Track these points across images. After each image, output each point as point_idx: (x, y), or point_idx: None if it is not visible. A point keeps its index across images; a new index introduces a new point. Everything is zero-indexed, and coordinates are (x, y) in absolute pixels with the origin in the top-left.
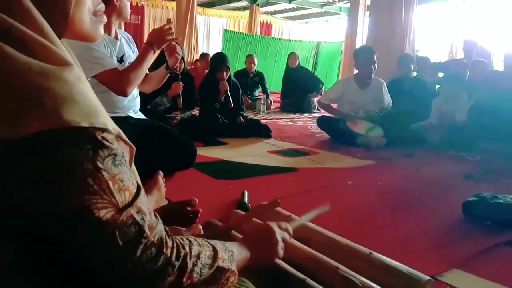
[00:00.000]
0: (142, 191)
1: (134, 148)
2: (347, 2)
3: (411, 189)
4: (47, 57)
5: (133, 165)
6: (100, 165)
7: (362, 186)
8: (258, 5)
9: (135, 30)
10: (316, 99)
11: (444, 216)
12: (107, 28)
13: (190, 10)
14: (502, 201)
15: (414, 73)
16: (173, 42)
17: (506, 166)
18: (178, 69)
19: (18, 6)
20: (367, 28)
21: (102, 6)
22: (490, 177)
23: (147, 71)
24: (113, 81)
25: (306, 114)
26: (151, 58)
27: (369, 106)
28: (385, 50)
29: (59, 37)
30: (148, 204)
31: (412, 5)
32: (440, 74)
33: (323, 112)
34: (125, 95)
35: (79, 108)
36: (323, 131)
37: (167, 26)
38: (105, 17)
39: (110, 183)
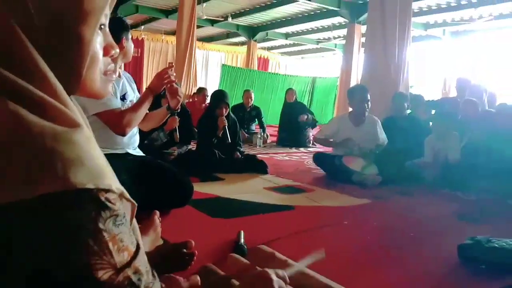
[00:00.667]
0: (141, 249)
1: (136, 204)
2: (342, 39)
3: (406, 230)
4: (59, 118)
5: (134, 221)
6: (102, 226)
7: (358, 226)
8: (255, 40)
9: (134, 63)
10: (311, 133)
11: (440, 259)
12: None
13: (189, 45)
14: (496, 245)
15: (408, 111)
16: (174, 85)
17: (500, 206)
18: (178, 109)
19: (34, 69)
20: (361, 64)
21: (112, 66)
22: (484, 219)
23: (147, 111)
24: (113, 122)
25: (302, 149)
26: (150, 101)
27: (364, 144)
28: (379, 86)
29: (70, 94)
30: (145, 263)
31: (406, 42)
32: (434, 112)
33: (318, 147)
34: (124, 135)
35: (85, 170)
36: (319, 167)
37: (166, 75)
38: (114, 76)
39: (110, 244)
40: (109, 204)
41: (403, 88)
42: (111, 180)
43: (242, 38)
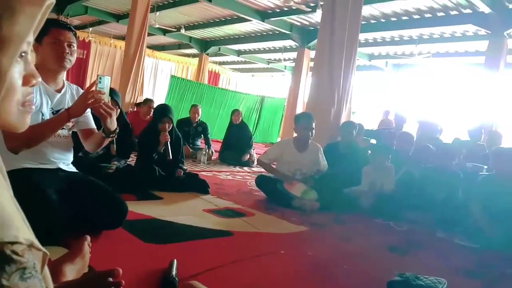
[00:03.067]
0: None
1: (48, 253)
2: (292, 62)
3: (340, 261)
4: None
5: (45, 269)
6: (5, 282)
7: (294, 256)
8: (207, 54)
9: (79, 65)
10: (255, 154)
11: None
12: (52, 79)
13: (138, 51)
14: (423, 283)
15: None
16: (103, 105)
17: (429, 239)
18: (116, 131)
19: None
20: (308, 87)
21: (31, 97)
22: (413, 251)
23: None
24: (7, 135)
25: (246, 168)
26: (61, 124)
27: (306, 169)
28: (323, 112)
29: None
30: None
31: (351, 70)
32: (373, 141)
33: (261, 168)
34: (15, 153)
35: None
36: (260, 190)
37: (90, 95)
38: (33, 106)
39: None
40: (15, 257)
41: (346, 114)
42: (18, 231)
43: (194, 50)
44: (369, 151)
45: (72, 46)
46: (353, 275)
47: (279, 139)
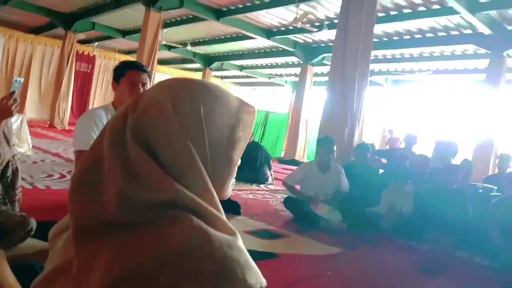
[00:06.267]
0: None
1: None
2: (293, 77)
3: (380, 282)
4: (223, 228)
5: None
6: None
7: (339, 277)
8: (211, 69)
9: (83, 79)
10: (268, 171)
11: None
12: None
13: (150, 67)
14: None
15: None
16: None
17: (450, 258)
18: None
19: (206, 189)
20: (311, 102)
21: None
22: (440, 271)
23: None
24: None
25: (262, 186)
26: None
27: (328, 190)
28: (337, 130)
29: None
30: None
31: (364, 88)
32: (383, 160)
33: (276, 184)
34: None
35: (253, 272)
36: (285, 209)
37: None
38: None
39: None
40: None
41: (358, 134)
42: (262, 277)
43: (197, 65)
44: (381, 170)
45: (145, 86)
46: None
47: (282, 154)
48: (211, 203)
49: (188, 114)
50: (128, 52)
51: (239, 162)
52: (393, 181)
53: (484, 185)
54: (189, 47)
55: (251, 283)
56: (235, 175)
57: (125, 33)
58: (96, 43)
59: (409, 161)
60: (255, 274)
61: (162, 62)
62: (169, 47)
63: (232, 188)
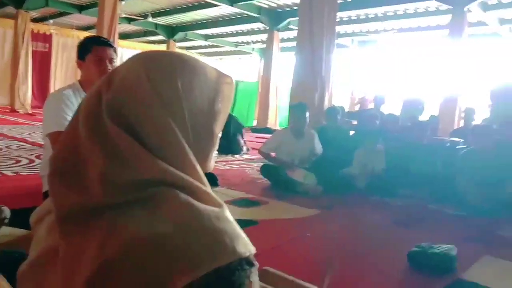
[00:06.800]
0: None
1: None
2: (260, 44)
3: (359, 239)
4: (210, 201)
5: None
6: (253, 279)
7: (319, 238)
8: (175, 40)
9: (41, 59)
10: (241, 140)
11: (393, 264)
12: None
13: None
14: (438, 251)
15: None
16: None
17: (423, 211)
18: None
19: (188, 163)
20: (280, 69)
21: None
22: (415, 224)
23: None
24: None
25: (237, 156)
26: None
27: (304, 155)
28: (308, 96)
29: None
30: None
31: (331, 51)
32: (354, 122)
33: (251, 153)
34: None
35: (242, 241)
36: (262, 177)
37: None
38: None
39: None
40: (255, 262)
41: (328, 98)
42: (250, 244)
43: (160, 37)
44: (352, 132)
45: (113, 62)
46: (375, 250)
47: (255, 123)
48: (195, 177)
49: (166, 89)
50: (87, 28)
51: (220, 134)
52: (364, 141)
53: (451, 139)
54: (150, 19)
55: (240, 252)
56: (217, 147)
57: (81, 8)
58: (51, 21)
59: (378, 121)
60: (244, 242)
61: (124, 36)
62: (129, 20)
63: (215, 160)
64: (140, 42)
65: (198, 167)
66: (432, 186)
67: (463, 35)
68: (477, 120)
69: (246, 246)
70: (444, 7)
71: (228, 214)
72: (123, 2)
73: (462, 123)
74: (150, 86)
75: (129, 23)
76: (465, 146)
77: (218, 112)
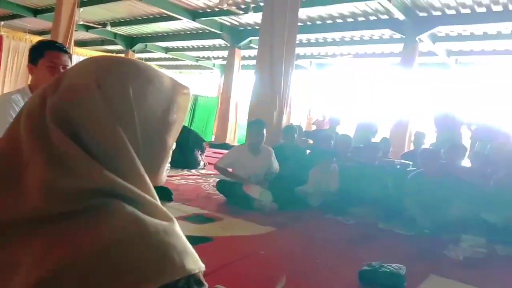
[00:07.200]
0: None
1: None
2: (221, 60)
3: (312, 257)
4: (159, 214)
5: None
6: None
7: (272, 255)
8: (134, 51)
9: None
10: (200, 156)
11: (344, 282)
12: None
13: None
14: (388, 270)
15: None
16: None
17: (373, 230)
18: None
19: (135, 171)
20: (240, 86)
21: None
22: (366, 242)
23: None
24: None
25: (193, 171)
26: None
27: (260, 171)
28: (266, 114)
29: None
30: None
31: (290, 71)
32: (310, 141)
33: (208, 169)
34: None
35: (191, 257)
36: (218, 193)
37: None
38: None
39: None
40: (204, 281)
41: (287, 117)
42: (200, 261)
43: (119, 47)
44: (308, 151)
45: (66, 68)
46: (327, 268)
47: (213, 138)
48: (144, 189)
49: (116, 95)
50: (41, 33)
51: (174, 146)
52: (319, 160)
53: (402, 161)
54: (109, 28)
55: (190, 269)
56: (169, 159)
57: (36, 11)
58: (2, 23)
59: (333, 141)
60: (194, 259)
61: (80, 43)
62: (87, 28)
63: (167, 174)
64: (97, 50)
65: (147, 179)
66: (383, 206)
67: (414, 63)
68: (426, 144)
69: (195, 262)
70: (397, 35)
71: (178, 228)
72: (81, 9)
73: (412, 147)
74: (99, 91)
75: (87, 31)
76: (414, 168)
77: (172, 123)
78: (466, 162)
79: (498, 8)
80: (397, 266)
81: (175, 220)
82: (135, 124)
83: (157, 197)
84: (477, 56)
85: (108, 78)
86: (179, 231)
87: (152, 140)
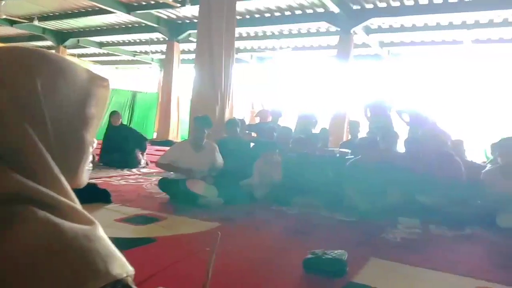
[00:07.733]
0: None
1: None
2: (159, 54)
3: (259, 248)
4: (79, 218)
5: None
6: None
7: (219, 251)
8: (65, 47)
9: None
10: (141, 155)
11: (290, 271)
12: None
13: None
14: (330, 257)
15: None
16: None
17: (316, 218)
18: None
19: (48, 171)
20: (180, 80)
21: (91, 157)
22: (311, 230)
23: None
24: None
25: (134, 170)
26: None
27: (204, 167)
28: (209, 108)
29: None
30: None
31: (231, 64)
32: (253, 134)
33: (150, 167)
34: None
35: (118, 262)
36: (161, 192)
37: None
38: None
39: None
40: (133, 286)
41: (229, 111)
42: (128, 265)
43: (48, 42)
44: (252, 144)
45: None
46: (273, 259)
47: (155, 135)
48: (60, 191)
49: (21, 90)
50: None
51: (94, 143)
52: (263, 152)
53: (341, 150)
54: (36, 22)
55: (116, 273)
56: (90, 158)
57: None
58: None
59: (276, 133)
60: (120, 263)
61: (4, 39)
62: (12, 22)
63: (89, 174)
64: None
65: (64, 181)
66: (325, 194)
67: (350, 55)
68: (363, 132)
69: (122, 267)
70: (333, 28)
71: (101, 232)
72: (3, 2)
73: (349, 136)
74: (2, 86)
75: (11, 26)
76: (352, 156)
77: (90, 118)
78: (400, 148)
79: (424, 1)
80: (339, 252)
81: (97, 223)
82: (45, 120)
83: (76, 200)
84: (407, 47)
85: (10, 70)
86: (102, 235)
87: (67, 137)
